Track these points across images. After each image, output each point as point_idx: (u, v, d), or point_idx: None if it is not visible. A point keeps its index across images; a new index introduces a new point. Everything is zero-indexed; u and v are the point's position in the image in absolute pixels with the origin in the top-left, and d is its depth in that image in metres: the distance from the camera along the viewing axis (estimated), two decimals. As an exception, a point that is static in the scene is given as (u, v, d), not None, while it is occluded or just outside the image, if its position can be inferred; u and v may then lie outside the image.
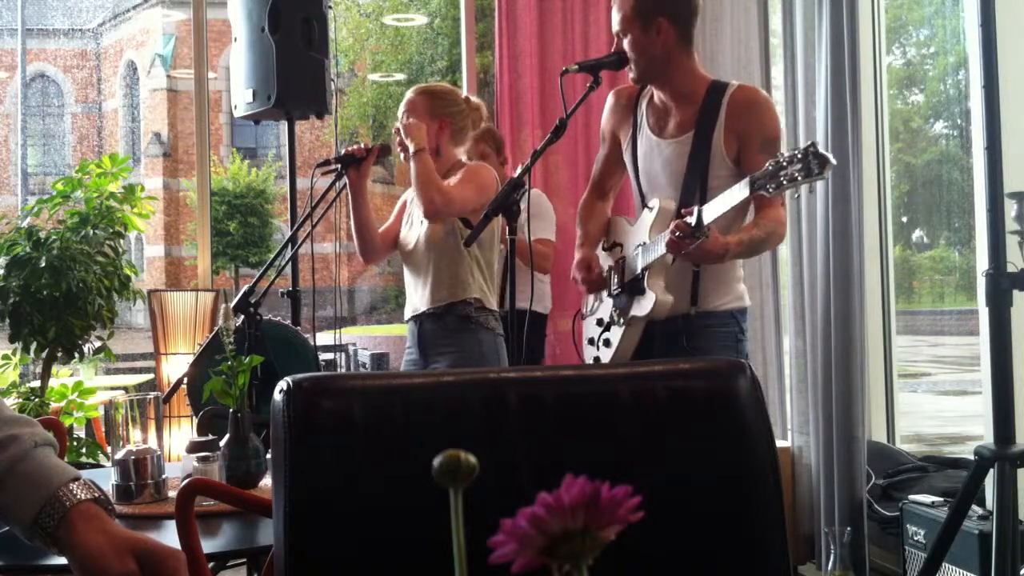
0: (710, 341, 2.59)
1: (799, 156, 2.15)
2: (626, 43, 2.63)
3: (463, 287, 2.94)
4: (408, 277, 3.07)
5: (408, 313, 3.08)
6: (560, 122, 2.60)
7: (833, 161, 2.12)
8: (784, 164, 2.18)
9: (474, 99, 3.13)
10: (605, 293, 2.76)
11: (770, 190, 2.23)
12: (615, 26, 2.66)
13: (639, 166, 2.72)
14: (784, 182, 2.18)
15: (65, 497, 1.01)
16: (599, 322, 2.77)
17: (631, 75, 2.69)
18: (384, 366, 9.15)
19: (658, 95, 2.71)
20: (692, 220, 2.33)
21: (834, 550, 1.67)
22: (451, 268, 2.94)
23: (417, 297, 3.03)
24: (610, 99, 2.84)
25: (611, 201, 2.90)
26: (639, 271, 2.60)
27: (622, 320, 2.66)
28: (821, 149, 2.13)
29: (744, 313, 2.68)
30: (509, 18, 4.50)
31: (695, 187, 2.58)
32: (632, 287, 2.64)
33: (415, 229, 3.04)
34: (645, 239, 2.59)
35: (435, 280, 2.97)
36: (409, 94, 3.07)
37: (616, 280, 2.71)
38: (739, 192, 2.33)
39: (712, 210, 2.38)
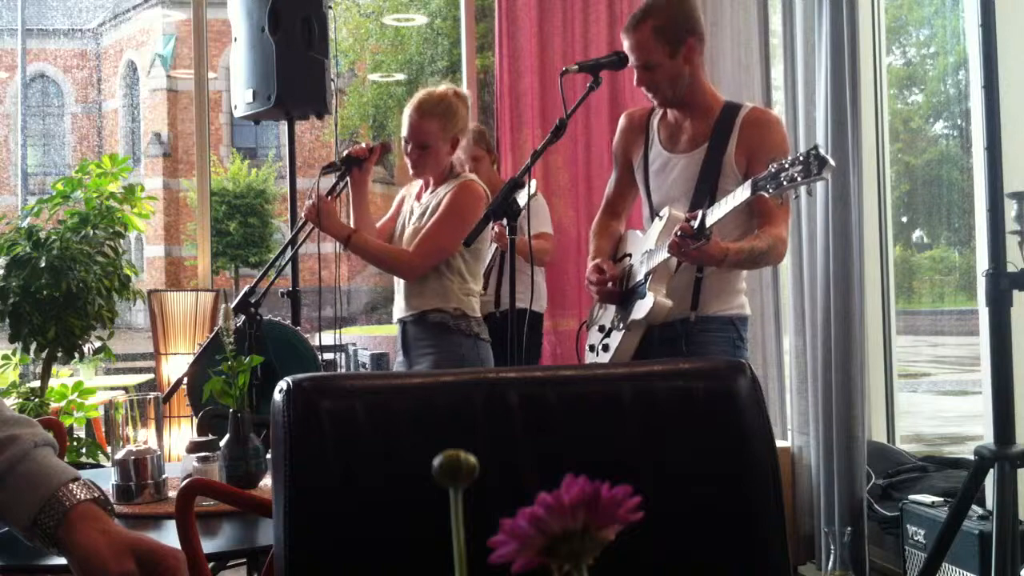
0: (708, 346, 2.62)
1: (800, 158, 2.20)
2: (651, 74, 2.61)
3: (439, 296, 2.93)
4: (395, 279, 3.07)
5: (394, 315, 3.09)
6: (560, 122, 2.60)
7: (832, 163, 2.17)
8: (786, 166, 2.23)
9: (461, 92, 3.04)
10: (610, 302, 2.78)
11: (770, 190, 2.27)
12: (635, 60, 2.62)
13: (650, 181, 2.74)
14: (784, 183, 2.23)
15: (65, 497, 1.01)
16: (601, 328, 2.79)
17: (656, 101, 2.69)
18: (384, 366, 9.16)
19: (672, 112, 2.73)
20: (695, 223, 2.37)
21: (834, 550, 1.67)
22: (428, 276, 2.94)
23: (398, 301, 3.04)
24: (622, 121, 2.86)
25: (624, 221, 2.94)
26: (642, 276, 2.62)
27: (621, 324, 2.68)
28: (822, 151, 2.17)
29: (744, 322, 2.69)
30: (509, 18, 4.50)
31: (704, 198, 2.60)
32: (634, 292, 2.66)
33: (403, 231, 3.04)
34: (651, 246, 2.62)
35: (410, 287, 2.98)
36: (414, 117, 2.94)
37: (621, 287, 2.73)
38: (741, 194, 2.37)
39: (715, 213, 2.42)
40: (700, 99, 2.67)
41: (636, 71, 2.65)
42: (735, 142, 2.61)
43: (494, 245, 3.74)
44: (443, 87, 3.01)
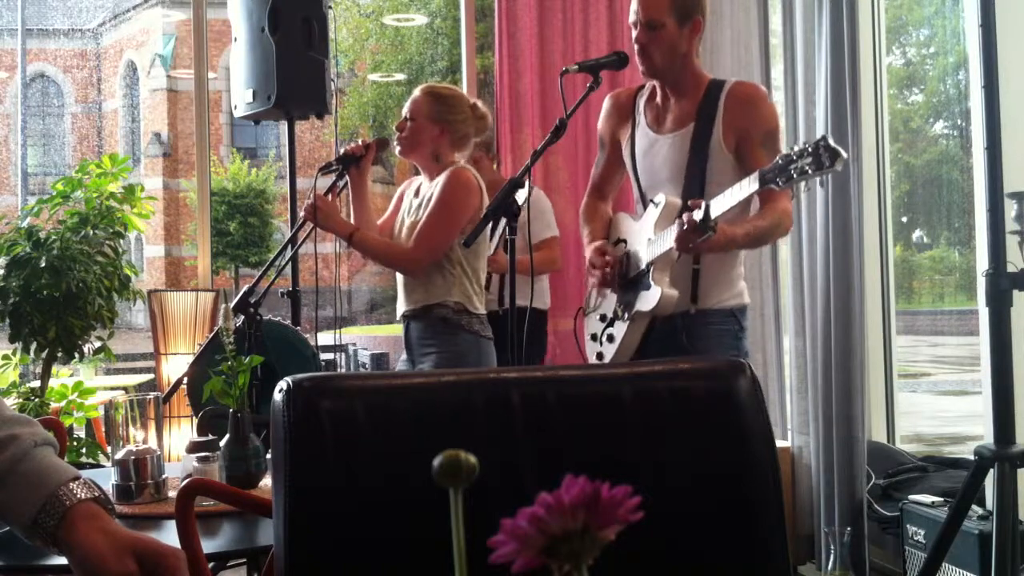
0: (710, 339, 2.60)
1: (810, 150, 2.15)
2: (652, 35, 2.59)
3: (440, 290, 2.93)
4: (397, 275, 3.08)
5: (398, 311, 3.09)
6: (560, 122, 2.59)
7: (844, 154, 2.13)
8: (795, 158, 2.19)
9: (481, 107, 3.11)
10: (609, 289, 2.74)
11: (780, 183, 2.23)
12: (642, 15, 2.60)
13: (638, 163, 2.72)
14: (794, 175, 2.18)
15: (65, 496, 1.01)
16: (602, 318, 2.76)
17: (644, 67, 2.65)
18: (384, 366, 9.17)
19: (659, 92, 2.71)
20: (700, 215, 2.33)
21: (834, 550, 1.67)
22: (427, 270, 2.94)
23: (400, 297, 3.05)
24: (607, 102, 2.84)
25: (610, 203, 2.91)
26: (644, 266, 2.60)
27: (626, 315, 2.65)
28: (832, 142, 2.13)
29: (744, 311, 2.68)
30: (509, 18, 4.50)
31: (696, 180, 2.58)
32: (637, 282, 2.64)
33: (402, 227, 3.04)
34: (650, 235, 2.59)
35: (412, 281, 2.99)
36: (416, 92, 3.07)
37: (621, 275, 2.71)
38: (748, 186, 2.33)
39: (720, 204, 2.38)
40: (688, 80, 2.66)
41: (638, 28, 2.61)
42: (721, 120, 2.58)
43: (494, 243, 3.73)
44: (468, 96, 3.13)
